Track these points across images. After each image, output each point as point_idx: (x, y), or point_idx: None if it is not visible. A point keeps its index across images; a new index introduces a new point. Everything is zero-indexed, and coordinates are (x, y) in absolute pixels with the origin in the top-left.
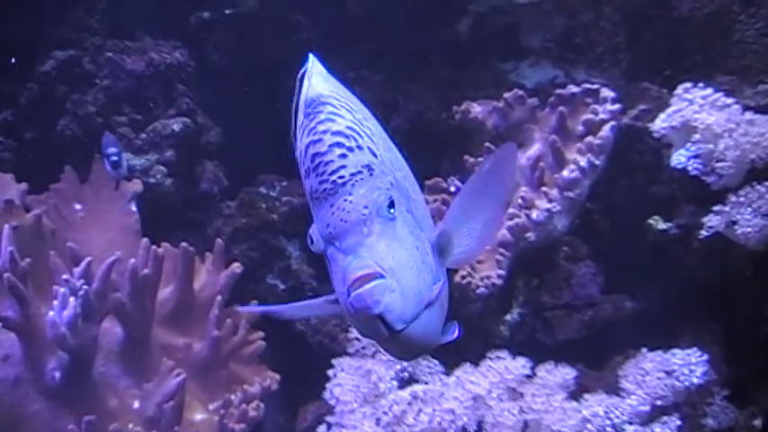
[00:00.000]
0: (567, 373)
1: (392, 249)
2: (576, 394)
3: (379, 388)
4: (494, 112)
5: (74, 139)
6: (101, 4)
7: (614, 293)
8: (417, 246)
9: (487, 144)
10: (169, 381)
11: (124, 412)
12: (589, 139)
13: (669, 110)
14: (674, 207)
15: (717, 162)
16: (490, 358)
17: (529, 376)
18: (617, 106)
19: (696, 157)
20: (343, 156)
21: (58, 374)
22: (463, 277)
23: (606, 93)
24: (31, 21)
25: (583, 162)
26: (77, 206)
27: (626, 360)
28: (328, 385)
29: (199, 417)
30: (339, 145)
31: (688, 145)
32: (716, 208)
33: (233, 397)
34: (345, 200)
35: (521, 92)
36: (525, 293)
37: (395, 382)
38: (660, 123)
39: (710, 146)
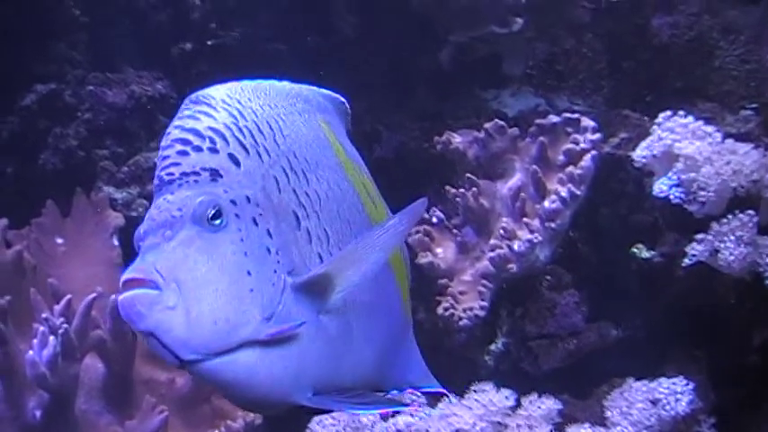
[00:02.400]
0: (551, 404)
1: (192, 262)
2: (561, 426)
3: (362, 421)
4: (474, 143)
5: (55, 173)
6: (82, 36)
7: (598, 322)
8: (249, 271)
9: (469, 175)
10: (152, 418)
11: None
12: (570, 169)
13: (650, 138)
14: (657, 235)
15: (699, 190)
16: (474, 390)
17: (513, 408)
18: (597, 135)
19: (678, 185)
20: (183, 153)
21: (38, 413)
22: (446, 309)
23: (587, 122)
24: (13, 54)
25: (564, 192)
26: (59, 240)
27: (611, 389)
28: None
29: None
30: (184, 142)
31: (670, 174)
32: (699, 236)
33: None
34: (164, 199)
35: (501, 122)
36: (509, 323)
37: (376, 417)
38: (641, 152)
39: (692, 174)
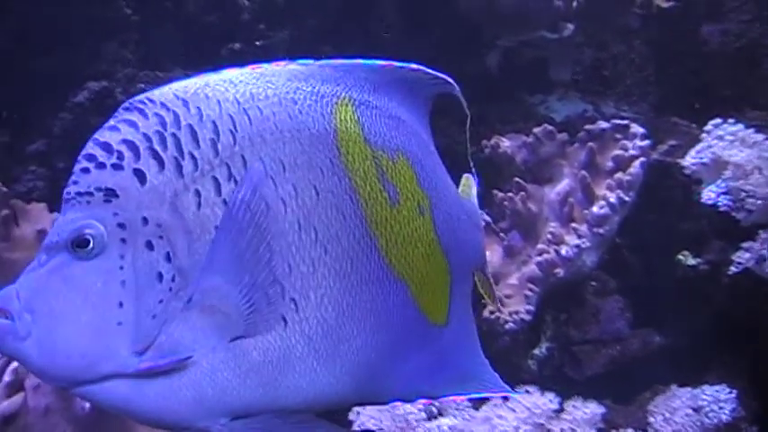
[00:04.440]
0: (595, 409)
1: (53, 292)
2: (603, 431)
3: (408, 421)
4: (523, 147)
5: None
6: (133, 35)
7: (642, 328)
8: (122, 302)
9: (517, 179)
10: None
11: None
12: (619, 175)
13: (699, 146)
14: (704, 243)
15: (747, 198)
16: (518, 392)
17: (557, 411)
18: (646, 142)
19: (726, 193)
20: (85, 171)
21: (87, 405)
22: (492, 312)
23: (636, 128)
24: (67, 52)
25: (612, 198)
26: None
27: (654, 396)
28: (353, 418)
29: None
30: (89, 158)
31: (718, 181)
32: (745, 244)
33: None
34: (56, 220)
35: (550, 127)
36: (553, 328)
37: (423, 414)
38: (690, 160)
39: (740, 182)
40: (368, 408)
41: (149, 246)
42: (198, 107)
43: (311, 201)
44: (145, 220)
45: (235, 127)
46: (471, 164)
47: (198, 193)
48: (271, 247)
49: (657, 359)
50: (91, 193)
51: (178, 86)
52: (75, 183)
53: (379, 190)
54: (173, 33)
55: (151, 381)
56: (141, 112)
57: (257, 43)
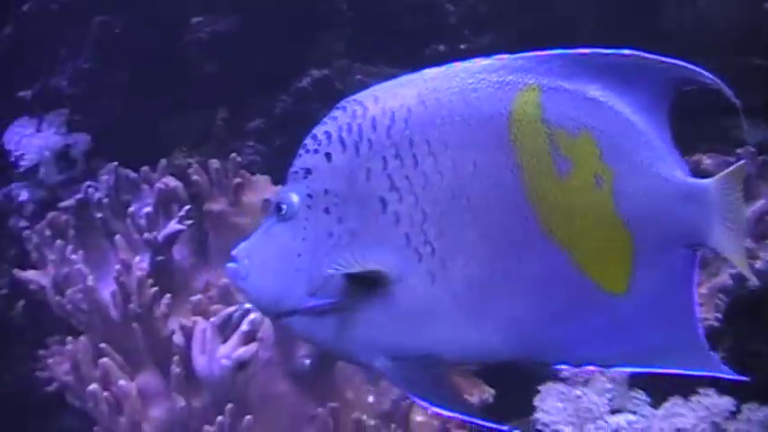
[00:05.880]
0: None
1: (260, 245)
2: None
3: (590, 412)
4: (723, 165)
5: None
6: (346, 30)
7: None
8: (300, 254)
9: None
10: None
11: (359, 405)
12: None
13: None
14: None
15: None
16: (698, 393)
17: (734, 413)
18: None
19: None
20: (299, 156)
21: (307, 361)
22: None
23: None
24: (290, 41)
25: None
26: None
27: None
28: (537, 404)
29: (419, 418)
30: (303, 146)
31: None
32: None
33: None
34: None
35: (752, 148)
36: (737, 336)
37: (605, 408)
38: None
39: None
40: (552, 395)
41: (326, 211)
42: (384, 101)
43: (467, 173)
44: (326, 191)
45: (409, 115)
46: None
47: (369, 170)
48: (425, 212)
49: None
50: (297, 172)
51: (378, 87)
52: (293, 164)
53: (547, 163)
54: (382, 31)
55: (324, 317)
56: (344, 108)
57: (461, 46)
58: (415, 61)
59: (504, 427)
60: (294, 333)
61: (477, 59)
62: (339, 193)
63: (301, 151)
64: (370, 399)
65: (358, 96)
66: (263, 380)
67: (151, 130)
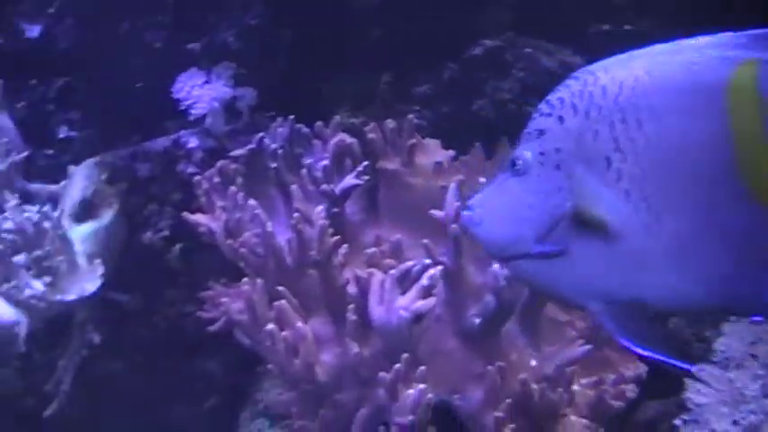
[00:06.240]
0: None
1: (494, 195)
2: None
3: (743, 395)
4: None
5: (486, 120)
6: (512, 3)
7: None
8: (531, 204)
9: None
10: (573, 348)
11: (522, 367)
12: None
13: None
14: None
15: None
16: None
17: None
18: None
19: None
20: (533, 118)
21: (477, 321)
22: None
23: None
24: (458, 11)
25: None
26: (481, 179)
27: None
28: (689, 384)
29: (575, 387)
30: (538, 110)
31: None
32: None
33: (608, 377)
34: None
35: None
36: None
37: (758, 392)
38: None
39: None
40: (703, 376)
41: (557, 167)
42: (613, 72)
43: (684, 137)
44: (557, 150)
45: (636, 83)
46: None
47: (597, 132)
48: (644, 171)
49: None
50: (530, 133)
51: (609, 59)
52: (526, 126)
53: (759, 132)
54: (545, 6)
55: (547, 263)
56: (577, 78)
57: (625, 27)
58: (576, 40)
59: (693, 367)
60: (518, 275)
61: (701, 37)
62: (569, 151)
63: (535, 115)
64: (533, 363)
65: (590, 67)
66: (433, 335)
67: (313, 90)
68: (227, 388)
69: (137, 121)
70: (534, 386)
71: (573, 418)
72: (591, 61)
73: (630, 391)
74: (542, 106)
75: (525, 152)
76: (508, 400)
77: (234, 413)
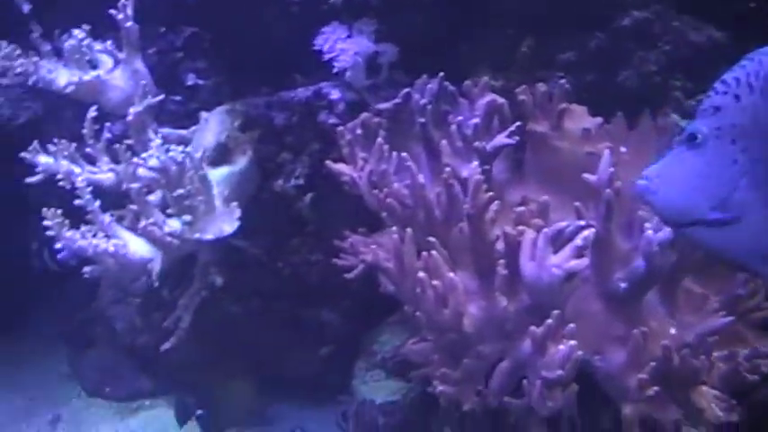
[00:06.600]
0: None
1: (670, 166)
2: None
3: None
4: None
5: (631, 91)
6: None
7: None
8: (708, 174)
9: None
10: (716, 318)
11: (662, 335)
12: None
13: None
14: None
15: None
16: None
17: None
18: None
19: None
20: (708, 96)
21: (623, 285)
22: None
23: None
24: None
25: None
26: (623, 149)
27: None
28: None
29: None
30: (713, 89)
31: None
32: None
33: (741, 351)
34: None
35: None
36: None
37: None
38: None
39: None
40: None
41: (733, 142)
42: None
43: None
44: (733, 126)
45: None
46: None
47: None
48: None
49: None
50: (706, 110)
51: None
52: (702, 102)
53: None
54: None
55: (720, 229)
56: (752, 59)
57: None
58: (718, 19)
59: None
60: (691, 241)
61: None
62: (745, 127)
63: (710, 93)
64: (673, 331)
65: (765, 49)
66: (579, 296)
67: (452, 50)
68: (342, 338)
69: (267, 71)
70: (675, 353)
71: (704, 388)
72: (736, 38)
73: (765, 365)
74: (718, 85)
75: (702, 127)
76: (653, 363)
77: (349, 363)
